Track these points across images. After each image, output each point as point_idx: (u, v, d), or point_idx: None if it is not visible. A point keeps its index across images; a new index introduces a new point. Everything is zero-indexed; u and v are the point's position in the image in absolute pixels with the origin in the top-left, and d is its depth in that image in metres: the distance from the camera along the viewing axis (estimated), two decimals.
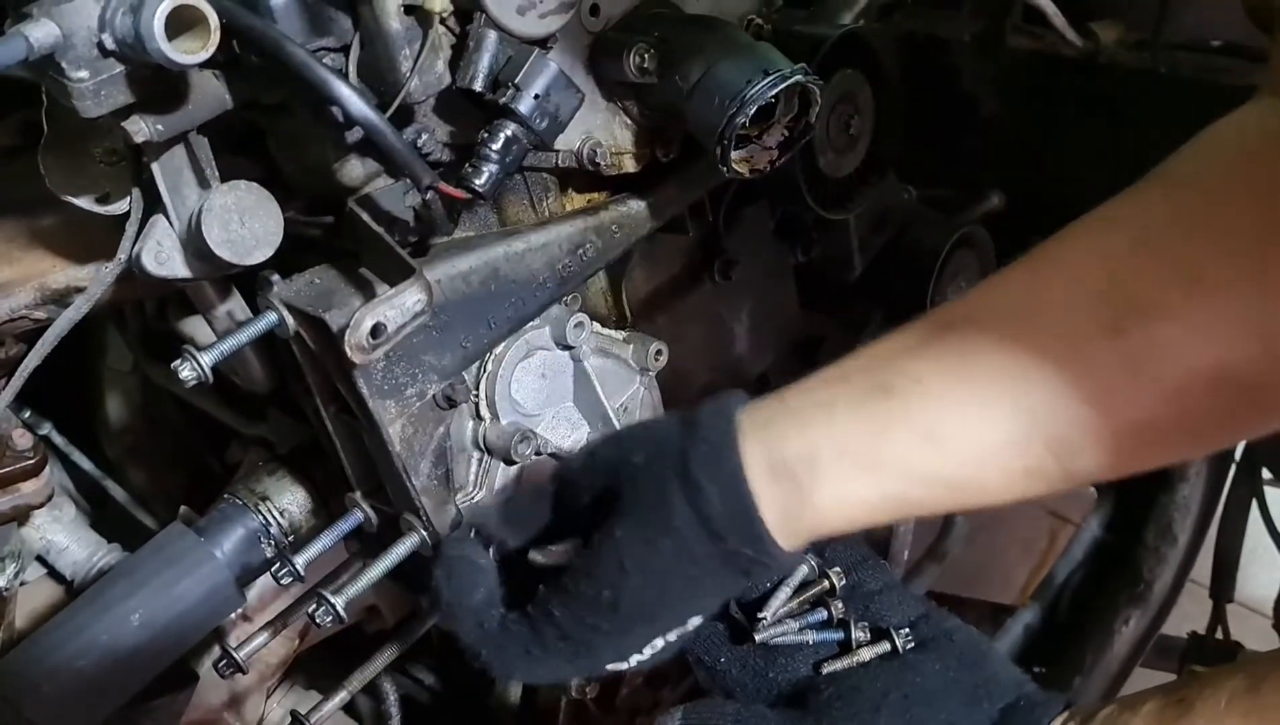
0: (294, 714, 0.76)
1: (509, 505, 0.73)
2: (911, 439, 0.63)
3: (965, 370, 0.63)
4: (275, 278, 0.71)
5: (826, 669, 0.70)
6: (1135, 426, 0.61)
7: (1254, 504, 1.47)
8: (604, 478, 0.67)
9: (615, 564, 0.62)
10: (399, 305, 0.62)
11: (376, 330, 0.62)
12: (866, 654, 0.70)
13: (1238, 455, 1.42)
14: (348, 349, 0.61)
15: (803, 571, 0.73)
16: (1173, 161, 0.66)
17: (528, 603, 0.66)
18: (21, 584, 0.94)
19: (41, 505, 0.90)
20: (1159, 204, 0.64)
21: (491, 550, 0.70)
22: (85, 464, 1.12)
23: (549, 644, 0.65)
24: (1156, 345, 0.59)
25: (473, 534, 0.71)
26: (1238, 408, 0.61)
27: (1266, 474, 1.45)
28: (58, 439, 1.09)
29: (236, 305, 0.78)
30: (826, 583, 0.73)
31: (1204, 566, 1.49)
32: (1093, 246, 0.65)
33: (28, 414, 1.04)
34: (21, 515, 0.90)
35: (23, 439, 0.88)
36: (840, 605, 0.73)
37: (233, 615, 0.92)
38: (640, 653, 0.66)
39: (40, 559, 0.97)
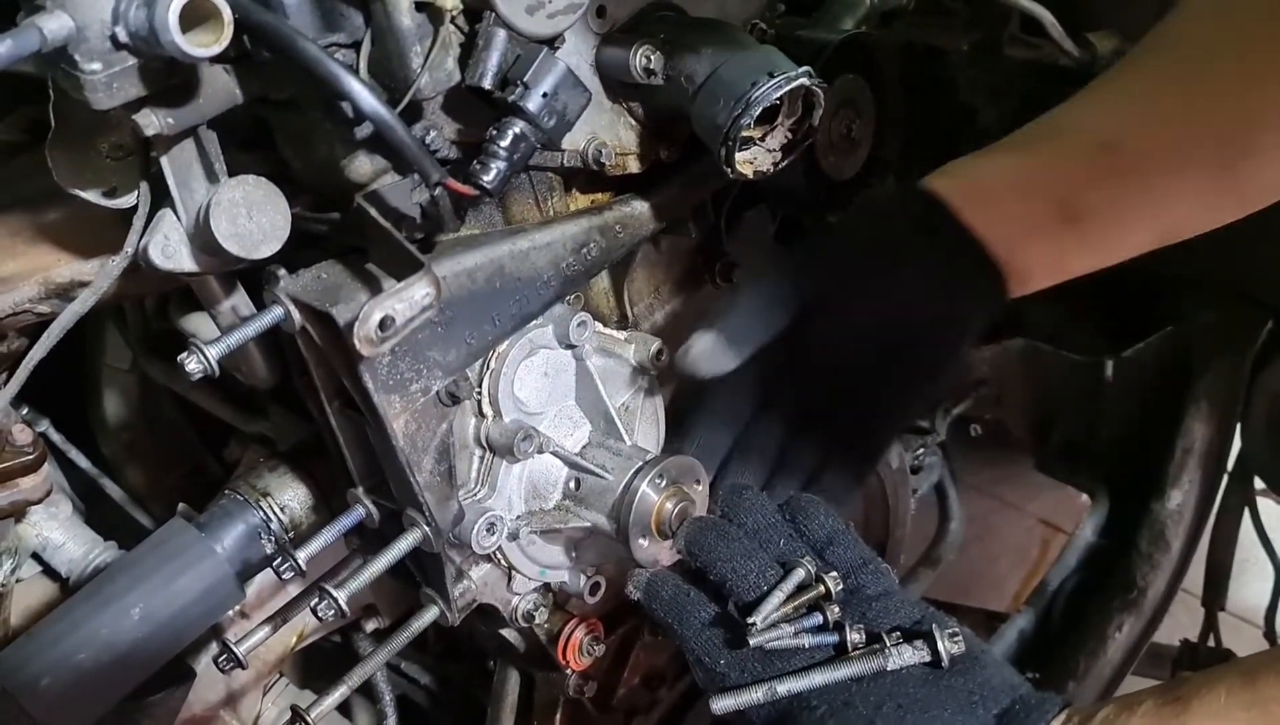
0: (294, 709, 0.76)
1: None
2: None
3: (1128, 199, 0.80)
4: (281, 272, 0.71)
5: (819, 677, 0.69)
6: None
7: (1246, 512, 1.48)
8: None
9: None
10: (407, 298, 0.63)
11: (385, 323, 0.62)
12: (905, 658, 0.69)
13: (1230, 464, 1.43)
14: (356, 341, 0.62)
15: (799, 575, 0.73)
16: None
17: None
18: (17, 581, 0.94)
19: (39, 501, 0.90)
20: None
21: None
22: (82, 462, 1.12)
23: None
24: None
25: None
26: None
27: (1259, 483, 1.46)
28: (55, 436, 1.09)
29: (241, 300, 0.78)
30: (822, 587, 0.73)
31: (1195, 576, 1.50)
32: None
33: (25, 411, 1.04)
34: (19, 511, 0.89)
35: (23, 434, 0.88)
36: (836, 609, 0.72)
37: (230, 612, 0.92)
38: None
39: (36, 556, 0.96)
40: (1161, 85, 0.84)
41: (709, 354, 0.80)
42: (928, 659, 0.69)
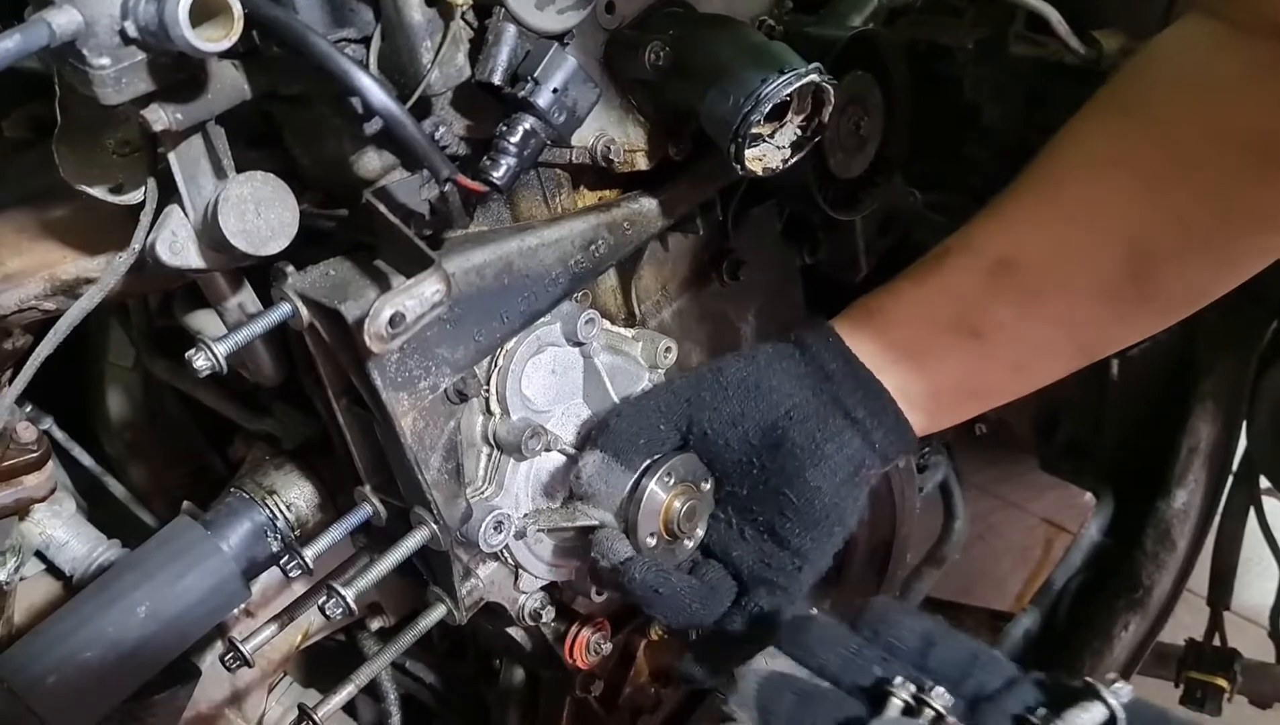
0: (301, 708, 0.76)
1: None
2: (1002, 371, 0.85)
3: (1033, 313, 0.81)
4: (290, 269, 0.71)
5: None
6: None
7: (1251, 512, 1.48)
8: None
9: None
10: (418, 295, 0.62)
11: (395, 320, 0.62)
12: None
13: (1236, 464, 1.43)
14: (366, 338, 0.61)
15: (896, 706, 0.61)
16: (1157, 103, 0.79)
17: None
18: (21, 579, 0.94)
19: (43, 499, 0.89)
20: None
21: None
22: (85, 460, 1.12)
23: None
24: None
25: None
26: None
27: (1264, 483, 1.46)
28: (58, 434, 1.09)
29: (248, 297, 0.78)
30: (929, 711, 0.60)
31: (1200, 576, 1.50)
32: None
33: (29, 408, 1.04)
34: (23, 509, 0.89)
35: (27, 432, 0.87)
36: (954, 720, 0.60)
37: (235, 611, 0.91)
38: None
39: (39, 554, 0.96)
40: (1057, 199, 0.81)
41: (602, 474, 0.79)
42: (1105, 718, 0.57)
